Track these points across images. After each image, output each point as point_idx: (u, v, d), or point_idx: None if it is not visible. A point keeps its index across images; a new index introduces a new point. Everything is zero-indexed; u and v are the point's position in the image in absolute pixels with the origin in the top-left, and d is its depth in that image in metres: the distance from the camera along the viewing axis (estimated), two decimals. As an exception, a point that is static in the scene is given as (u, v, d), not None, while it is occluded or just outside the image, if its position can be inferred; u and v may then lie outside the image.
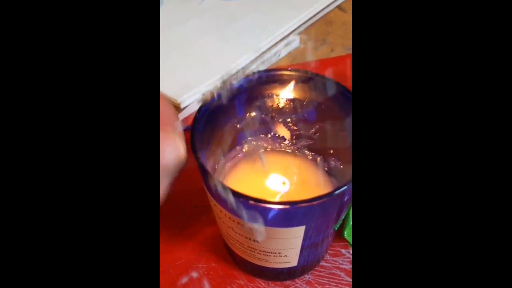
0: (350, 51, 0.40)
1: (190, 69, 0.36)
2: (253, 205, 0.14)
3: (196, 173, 0.17)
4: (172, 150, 0.15)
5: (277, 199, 0.21)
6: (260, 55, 0.38)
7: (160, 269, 0.24)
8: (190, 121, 0.34)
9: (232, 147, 0.23)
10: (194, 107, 0.33)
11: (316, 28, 0.43)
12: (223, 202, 0.16)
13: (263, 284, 0.23)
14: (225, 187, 0.14)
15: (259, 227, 0.15)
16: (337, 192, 0.14)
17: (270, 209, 0.14)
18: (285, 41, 0.40)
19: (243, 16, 0.42)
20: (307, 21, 0.42)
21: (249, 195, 0.14)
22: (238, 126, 0.22)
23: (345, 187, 0.14)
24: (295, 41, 0.40)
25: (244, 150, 0.24)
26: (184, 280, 0.23)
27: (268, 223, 0.15)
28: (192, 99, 0.34)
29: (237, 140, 0.23)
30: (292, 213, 0.15)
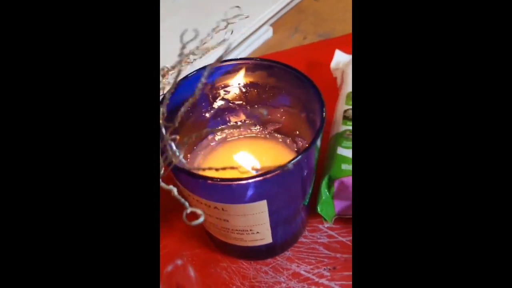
0: (322, 38, 0.41)
1: (168, 63, 0.37)
2: (211, 184, 0.16)
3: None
4: None
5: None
6: (235, 47, 0.39)
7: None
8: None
9: (204, 136, 0.24)
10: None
11: (288, 17, 0.44)
12: (189, 186, 0.17)
13: (246, 264, 0.24)
14: (182, 169, 0.16)
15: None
16: (287, 165, 0.15)
17: (228, 186, 0.16)
18: (258, 33, 0.41)
19: (217, 10, 0.43)
20: (279, 11, 0.43)
21: (208, 175, 0.15)
22: (207, 115, 0.23)
23: (294, 160, 0.15)
24: (268, 32, 0.41)
25: (216, 139, 0.25)
26: (170, 268, 0.25)
27: (233, 200, 0.17)
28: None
29: (208, 132, 0.24)
30: (251, 187, 0.16)
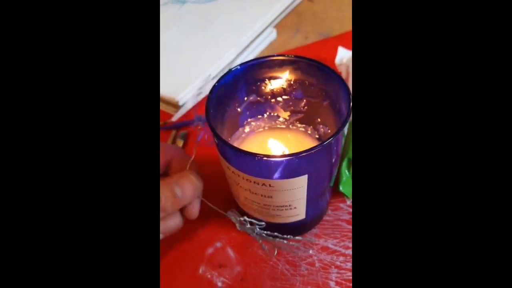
0: (323, 37, 0.45)
1: (182, 69, 0.40)
2: (266, 161, 0.19)
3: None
4: (190, 187, 0.22)
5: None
6: (243, 50, 0.43)
7: (189, 243, 0.28)
8: (189, 116, 0.38)
9: (235, 129, 0.27)
10: (190, 104, 0.38)
11: (289, 20, 0.47)
12: (242, 167, 0.20)
13: (279, 242, 0.27)
14: (239, 149, 0.19)
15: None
16: (326, 142, 0.19)
17: (278, 162, 0.19)
18: (263, 35, 0.44)
19: (221, 16, 0.46)
20: (280, 14, 0.47)
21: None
22: (239, 109, 0.26)
23: (331, 138, 0.19)
24: (272, 33, 0.45)
25: (245, 131, 0.28)
26: (210, 250, 0.28)
27: (281, 175, 0.20)
28: (188, 96, 0.38)
29: (240, 122, 0.27)
30: (295, 163, 0.20)
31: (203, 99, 0.39)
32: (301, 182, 0.21)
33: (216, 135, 0.20)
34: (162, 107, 0.39)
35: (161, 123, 0.37)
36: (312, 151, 0.19)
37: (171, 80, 0.38)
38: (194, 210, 0.24)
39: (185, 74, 0.39)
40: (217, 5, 0.48)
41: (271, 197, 0.22)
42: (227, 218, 0.26)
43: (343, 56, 0.37)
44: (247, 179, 0.21)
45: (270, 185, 0.21)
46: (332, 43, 0.43)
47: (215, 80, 0.37)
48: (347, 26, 0.45)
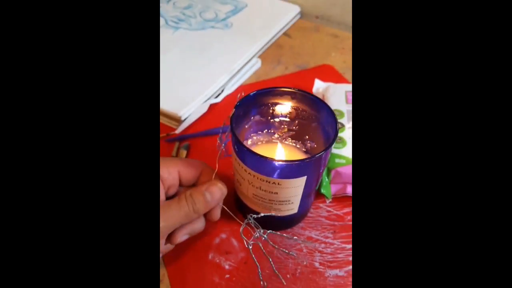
0: (300, 68, 0.54)
1: (182, 89, 0.46)
2: (279, 164, 0.26)
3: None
4: (219, 192, 0.28)
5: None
6: (233, 75, 0.50)
7: (199, 235, 0.33)
8: (190, 130, 0.44)
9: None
10: (192, 119, 0.44)
11: (270, 52, 0.56)
12: (256, 167, 0.27)
13: (273, 235, 0.34)
14: (259, 154, 0.26)
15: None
16: (322, 152, 0.27)
17: (288, 165, 0.26)
18: (250, 63, 0.52)
19: (214, 44, 0.53)
20: (263, 46, 0.55)
21: (275, 158, 0.26)
22: (246, 126, 0.33)
23: (326, 150, 0.27)
24: (257, 63, 0.53)
25: (248, 144, 0.35)
26: (217, 240, 0.34)
27: (287, 175, 0.27)
28: (190, 111, 0.44)
29: (245, 136, 0.34)
30: (299, 166, 0.27)
31: (202, 114, 0.45)
32: (301, 182, 0.28)
33: (239, 142, 0.27)
34: (165, 121, 0.44)
35: (164, 135, 0.42)
36: (313, 158, 0.26)
37: (173, 98, 0.44)
38: (216, 214, 0.30)
39: (186, 93, 0.45)
40: (207, 33, 0.55)
41: (277, 193, 0.29)
42: (230, 216, 0.33)
43: (319, 86, 0.46)
44: (260, 178, 0.28)
45: (278, 184, 0.28)
46: (308, 74, 0.52)
47: (209, 99, 0.44)
48: (320, 60, 0.55)
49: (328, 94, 0.43)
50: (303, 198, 0.30)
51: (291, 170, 0.27)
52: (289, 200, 0.30)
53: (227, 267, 0.32)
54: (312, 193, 0.33)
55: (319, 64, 0.54)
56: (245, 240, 0.29)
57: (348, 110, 0.40)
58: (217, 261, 0.32)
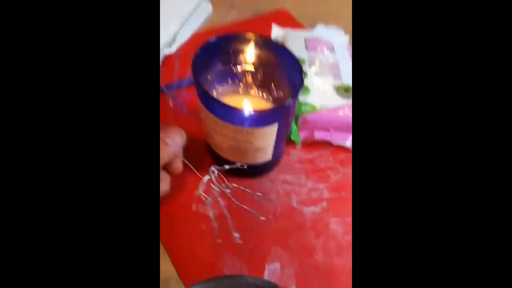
0: (254, 12, 0.51)
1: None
2: (252, 113, 0.26)
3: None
4: (178, 135, 0.27)
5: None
6: (184, 22, 0.47)
7: (179, 191, 0.33)
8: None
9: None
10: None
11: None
12: (232, 119, 0.27)
13: (251, 181, 0.35)
14: (233, 106, 0.25)
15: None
16: (291, 100, 0.27)
17: (261, 114, 0.26)
18: (200, 8, 0.49)
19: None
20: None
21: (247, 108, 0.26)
22: (209, 77, 0.32)
23: (292, 99, 0.27)
24: (208, 7, 0.50)
25: (214, 95, 0.34)
26: (197, 193, 0.34)
27: (261, 123, 0.27)
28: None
29: (209, 88, 0.33)
30: (271, 115, 0.27)
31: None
32: (273, 130, 0.28)
33: (207, 94, 0.26)
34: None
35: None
36: (284, 106, 0.26)
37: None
38: (178, 165, 0.30)
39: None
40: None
41: (251, 142, 0.29)
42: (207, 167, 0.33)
43: (278, 34, 0.45)
44: (234, 129, 0.28)
45: (252, 133, 0.28)
46: (264, 21, 0.50)
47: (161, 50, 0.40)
48: (276, 4, 0.52)
49: (288, 41, 0.43)
50: (276, 145, 0.31)
51: (262, 118, 0.27)
52: (263, 148, 0.30)
53: (211, 215, 0.33)
54: (284, 140, 0.34)
55: (273, 7, 0.52)
56: (203, 196, 0.29)
57: (309, 58, 0.40)
58: (201, 211, 0.33)
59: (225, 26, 0.49)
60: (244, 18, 0.51)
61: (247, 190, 0.32)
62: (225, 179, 0.30)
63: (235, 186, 0.31)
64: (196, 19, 0.48)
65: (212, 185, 0.29)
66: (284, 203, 0.34)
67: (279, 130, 0.29)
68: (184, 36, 0.46)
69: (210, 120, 0.28)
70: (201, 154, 0.36)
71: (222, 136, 0.29)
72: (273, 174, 0.36)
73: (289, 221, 0.33)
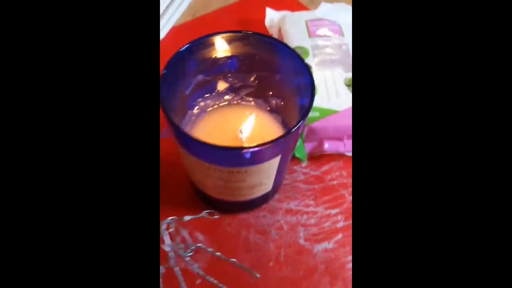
0: (244, -8, 0.43)
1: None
2: (243, 152, 0.19)
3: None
4: None
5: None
6: (165, 8, 0.39)
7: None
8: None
9: (184, 113, 0.26)
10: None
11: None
12: (215, 159, 0.20)
13: (245, 215, 0.29)
14: (212, 145, 0.18)
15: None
16: (299, 123, 0.20)
17: (254, 151, 0.19)
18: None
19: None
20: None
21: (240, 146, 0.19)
22: (187, 92, 0.25)
23: (302, 121, 0.20)
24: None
25: (195, 113, 0.27)
26: (178, 238, 0.27)
27: (257, 161, 0.20)
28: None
29: (188, 105, 0.26)
30: (269, 149, 0.20)
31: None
32: (275, 163, 0.22)
33: (183, 135, 0.19)
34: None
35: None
36: (290, 133, 0.19)
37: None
38: None
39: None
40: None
41: (245, 180, 0.22)
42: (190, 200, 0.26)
43: (273, 17, 0.37)
44: (220, 170, 0.21)
45: (245, 172, 0.21)
46: (256, 3, 0.42)
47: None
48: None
49: (286, 26, 0.35)
50: (278, 174, 0.24)
51: (261, 155, 0.20)
52: (261, 183, 0.24)
53: (196, 270, 0.27)
54: (287, 166, 0.27)
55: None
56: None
57: (312, 46, 0.32)
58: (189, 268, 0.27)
59: (210, 13, 0.41)
60: (231, 1, 0.42)
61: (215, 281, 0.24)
62: (187, 238, 0.23)
63: (200, 247, 0.23)
64: (178, 6, 0.40)
65: (163, 247, 0.22)
66: (289, 242, 0.28)
67: (282, 160, 0.22)
68: (163, 30, 0.38)
69: (190, 160, 0.22)
70: (183, 187, 0.29)
71: (206, 177, 0.22)
72: (273, 202, 0.30)
73: (296, 266, 0.27)
